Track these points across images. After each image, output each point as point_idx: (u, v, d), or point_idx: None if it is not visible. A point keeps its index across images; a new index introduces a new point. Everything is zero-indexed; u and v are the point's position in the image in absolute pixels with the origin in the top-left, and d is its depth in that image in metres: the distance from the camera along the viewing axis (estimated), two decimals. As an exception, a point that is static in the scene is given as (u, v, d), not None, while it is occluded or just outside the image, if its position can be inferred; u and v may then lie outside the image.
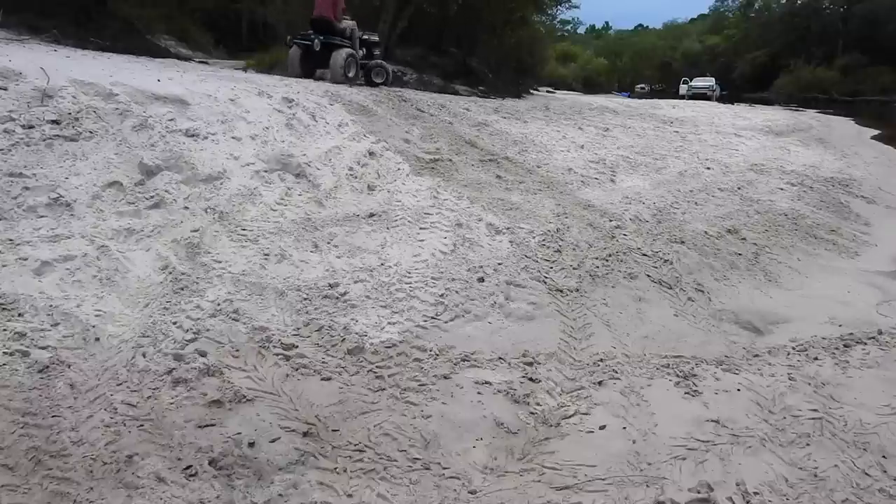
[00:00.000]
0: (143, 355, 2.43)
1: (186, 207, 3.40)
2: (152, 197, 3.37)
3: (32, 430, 1.99)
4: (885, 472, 1.96)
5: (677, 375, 2.64)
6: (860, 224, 5.64)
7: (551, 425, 2.27)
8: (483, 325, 3.00)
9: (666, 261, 3.95)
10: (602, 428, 2.26)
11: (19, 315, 2.45)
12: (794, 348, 2.92)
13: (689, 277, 3.81)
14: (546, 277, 3.50)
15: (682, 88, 34.45)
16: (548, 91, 17.43)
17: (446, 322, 2.97)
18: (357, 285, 3.12)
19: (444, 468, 2.03)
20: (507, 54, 14.54)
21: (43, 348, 2.34)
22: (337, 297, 3.00)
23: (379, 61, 8.30)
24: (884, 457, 2.02)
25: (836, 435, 2.15)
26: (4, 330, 2.36)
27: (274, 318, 2.79)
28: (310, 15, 7.84)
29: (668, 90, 41.44)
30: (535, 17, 15.68)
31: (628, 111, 10.48)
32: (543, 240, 3.90)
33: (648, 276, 3.75)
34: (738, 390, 2.48)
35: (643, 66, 55.12)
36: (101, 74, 4.31)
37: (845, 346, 2.92)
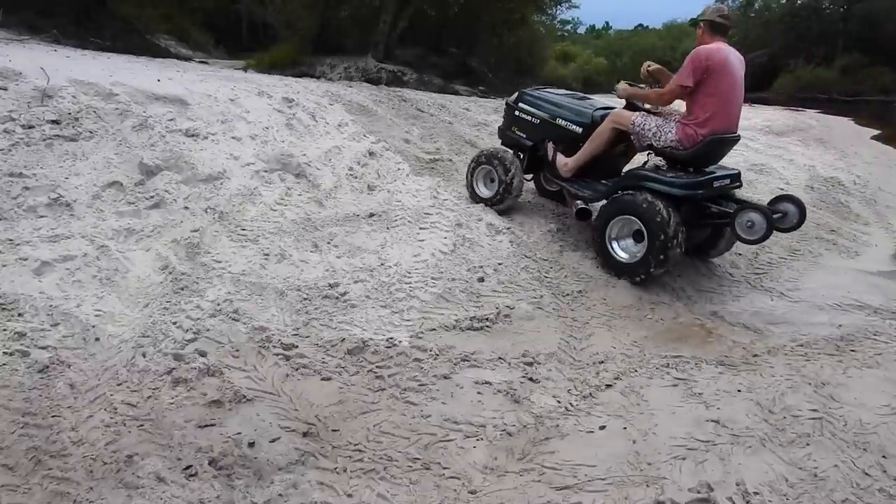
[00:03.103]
0: (143, 355, 2.43)
1: (186, 207, 3.40)
2: (152, 197, 3.37)
3: (32, 430, 1.99)
4: (885, 472, 1.96)
5: (677, 375, 2.64)
6: (860, 224, 5.64)
7: (551, 425, 2.27)
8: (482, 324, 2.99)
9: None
10: (602, 428, 2.26)
11: (19, 315, 2.45)
12: (794, 348, 2.92)
13: (689, 277, 3.81)
14: (546, 277, 3.50)
15: (682, 88, 34.40)
16: (548, 91, 17.42)
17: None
18: (357, 285, 3.12)
19: (444, 468, 2.03)
20: (507, 54, 14.54)
21: (43, 348, 2.34)
22: (337, 297, 3.00)
23: None
24: (884, 457, 2.02)
25: (836, 435, 2.15)
26: (4, 330, 2.37)
27: (274, 318, 2.79)
28: (310, 15, 7.62)
29: (667, 90, 41.30)
30: (535, 17, 15.67)
31: (628, 111, 10.48)
32: (543, 240, 3.89)
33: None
34: (739, 391, 2.48)
35: (643, 67, 54.95)
36: (101, 74, 4.31)
37: (845, 346, 2.92)
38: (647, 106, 3.78)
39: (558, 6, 16.24)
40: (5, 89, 3.65)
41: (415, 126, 6.05)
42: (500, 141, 4.60)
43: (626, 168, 4.06)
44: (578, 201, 3.84)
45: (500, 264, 3.51)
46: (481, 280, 3.33)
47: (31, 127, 3.47)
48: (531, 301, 3.23)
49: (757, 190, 6.04)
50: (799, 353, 2.86)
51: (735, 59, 3.43)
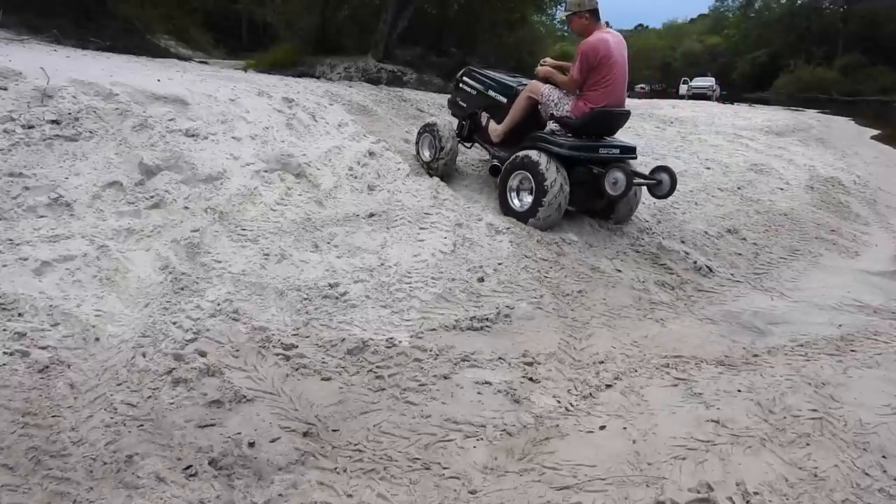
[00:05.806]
0: (143, 355, 2.43)
1: (186, 207, 3.40)
2: (152, 197, 3.37)
3: (32, 430, 1.99)
4: (885, 472, 1.96)
5: (677, 375, 2.64)
6: (860, 224, 5.64)
7: (551, 425, 2.27)
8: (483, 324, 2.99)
9: (666, 262, 3.96)
10: (602, 428, 2.26)
11: (19, 315, 2.45)
12: (794, 348, 2.92)
13: (688, 277, 3.81)
14: (546, 277, 3.50)
15: (682, 88, 34.46)
16: (548, 91, 17.40)
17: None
18: (357, 285, 3.12)
19: (444, 468, 2.03)
20: (507, 54, 14.54)
21: (43, 348, 2.34)
22: (337, 297, 3.00)
23: None
24: (884, 457, 2.02)
25: (836, 435, 2.15)
26: (4, 330, 2.37)
27: (274, 318, 2.79)
28: (310, 15, 7.79)
29: (668, 90, 41.47)
30: (535, 16, 15.68)
31: (628, 111, 10.48)
32: (543, 239, 3.90)
33: (648, 276, 3.75)
34: (739, 391, 2.48)
35: (643, 66, 55.18)
36: (101, 74, 4.31)
37: (845, 346, 2.92)
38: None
39: (558, 6, 16.25)
40: (5, 89, 3.65)
41: (415, 126, 6.03)
42: (450, 111, 5.32)
43: None
44: (495, 160, 4.50)
45: (500, 264, 3.50)
46: (481, 280, 3.33)
47: (31, 127, 3.47)
48: (531, 301, 3.22)
49: (757, 189, 6.04)
50: (799, 353, 2.85)
51: (615, 44, 3.98)
